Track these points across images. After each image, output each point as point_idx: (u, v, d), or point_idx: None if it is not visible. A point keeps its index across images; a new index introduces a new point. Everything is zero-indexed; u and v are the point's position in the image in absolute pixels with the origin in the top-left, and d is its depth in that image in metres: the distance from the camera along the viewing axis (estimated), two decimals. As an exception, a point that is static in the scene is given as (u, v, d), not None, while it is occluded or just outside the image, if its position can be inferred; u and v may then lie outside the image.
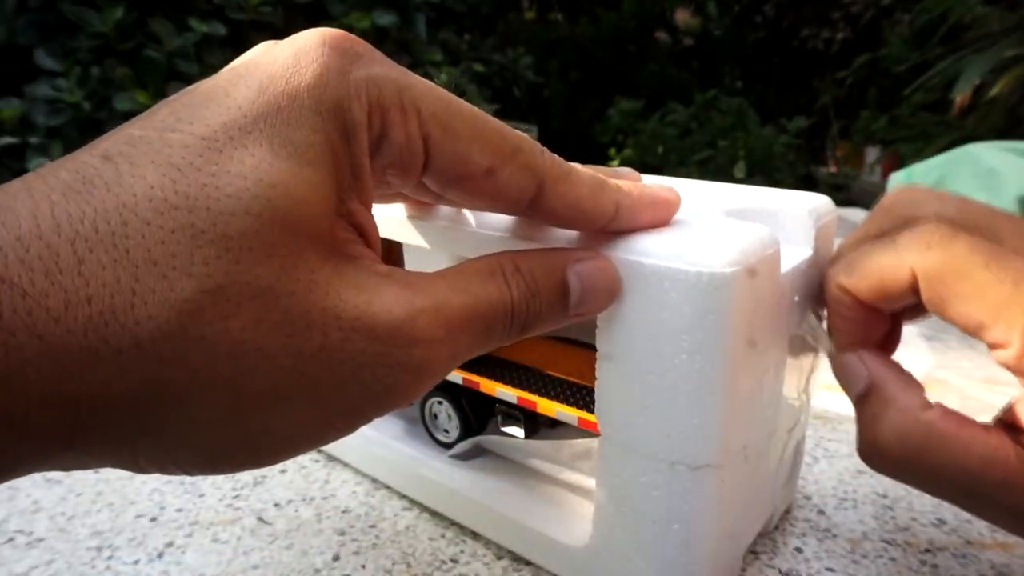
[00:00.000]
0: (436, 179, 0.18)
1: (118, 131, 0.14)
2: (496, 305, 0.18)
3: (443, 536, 0.29)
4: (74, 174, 0.13)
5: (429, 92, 0.17)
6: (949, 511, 0.31)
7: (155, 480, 0.33)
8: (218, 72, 0.16)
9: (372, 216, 0.17)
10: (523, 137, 0.18)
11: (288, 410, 0.15)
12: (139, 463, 0.14)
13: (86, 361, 0.12)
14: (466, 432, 0.30)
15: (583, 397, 0.26)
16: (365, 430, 0.32)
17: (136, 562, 0.27)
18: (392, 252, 0.31)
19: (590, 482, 0.27)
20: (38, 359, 0.12)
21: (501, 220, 0.23)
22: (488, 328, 0.18)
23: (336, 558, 0.27)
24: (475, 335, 0.17)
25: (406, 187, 0.18)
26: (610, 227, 0.20)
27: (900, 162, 2.38)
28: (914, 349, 0.52)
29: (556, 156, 0.19)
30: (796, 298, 0.24)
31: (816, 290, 0.25)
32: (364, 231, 0.17)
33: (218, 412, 0.14)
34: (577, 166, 0.19)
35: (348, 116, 0.15)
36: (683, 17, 3.78)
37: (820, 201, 0.26)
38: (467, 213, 0.24)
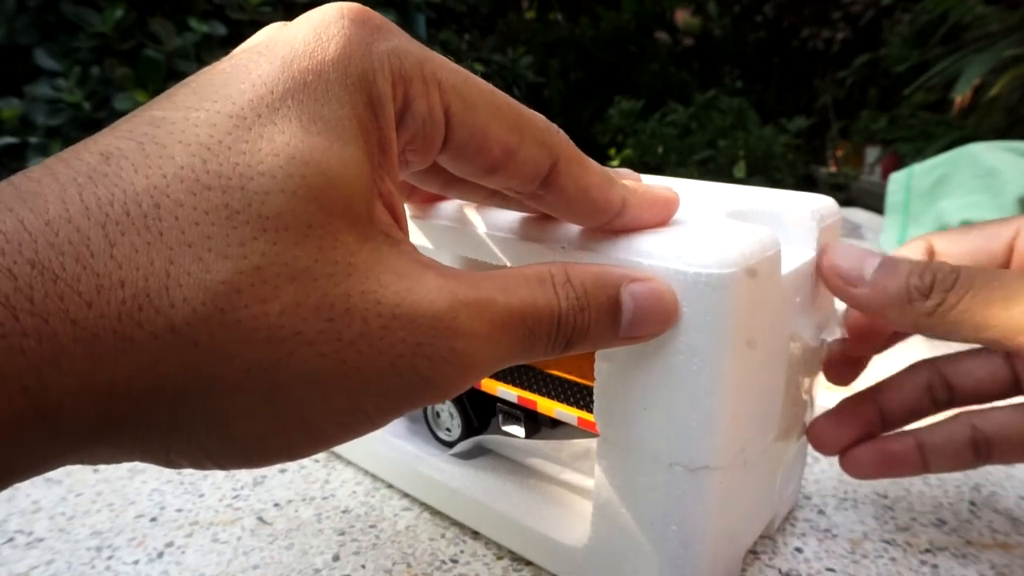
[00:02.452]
0: (454, 154, 0.17)
1: (137, 113, 0.14)
2: (542, 312, 0.17)
3: (443, 536, 0.29)
4: (99, 156, 0.13)
5: (447, 64, 0.16)
6: (949, 511, 0.31)
7: (155, 480, 0.33)
8: (231, 53, 0.16)
9: (400, 196, 0.17)
10: (539, 115, 0.18)
11: (325, 399, 0.14)
12: (170, 457, 0.14)
13: (120, 347, 0.12)
14: (467, 431, 0.30)
15: (583, 397, 0.26)
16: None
17: (136, 562, 0.27)
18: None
19: (590, 482, 0.27)
20: (72, 346, 0.11)
21: (505, 220, 0.23)
22: (532, 334, 0.17)
23: (336, 558, 0.27)
24: (518, 339, 0.17)
25: (424, 165, 0.18)
26: (615, 224, 0.20)
27: (900, 162, 2.38)
28: (911, 348, 0.52)
29: (571, 140, 0.19)
30: (798, 299, 0.24)
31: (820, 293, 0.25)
32: (395, 212, 0.16)
33: (254, 401, 0.13)
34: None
35: (374, 89, 0.15)
36: (683, 17, 3.77)
37: (824, 203, 0.26)
38: (470, 213, 0.24)
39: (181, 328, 0.12)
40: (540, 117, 0.18)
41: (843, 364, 0.28)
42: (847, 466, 0.27)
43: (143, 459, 0.14)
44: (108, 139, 0.13)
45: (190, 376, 0.13)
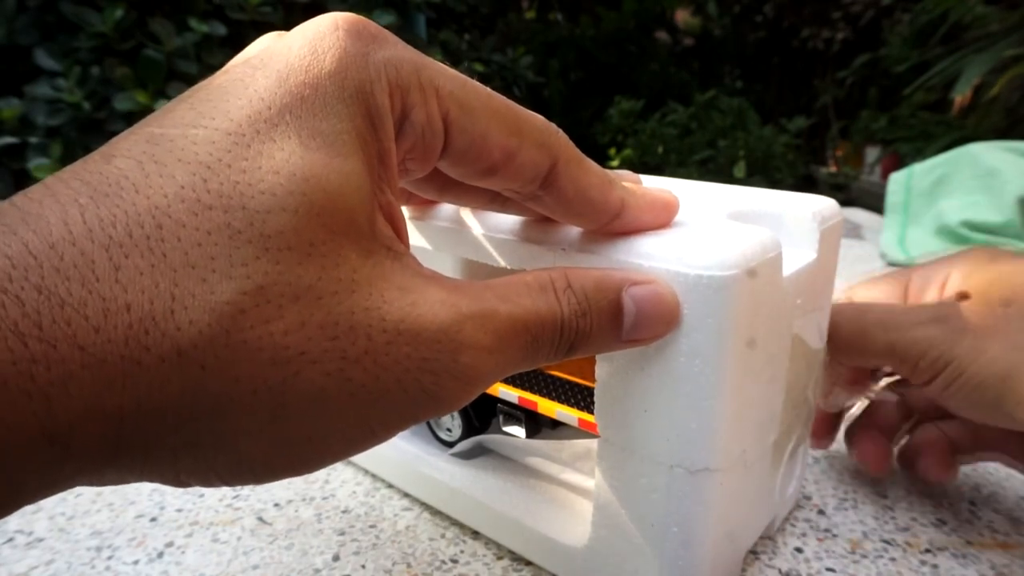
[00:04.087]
0: (454, 160, 0.17)
1: (135, 130, 0.14)
2: (545, 319, 0.17)
3: (443, 536, 0.29)
4: (99, 176, 0.13)
5: (444, 71, 0.16)
6: (949, 511, 0.31)
7: (155, 480, 0.33)
8: (227, 65, 0.16)
9: (400, 208, 0.17)
10: (538, 116, 0.18)
11: (331, 418, 0.14)
12: (180, 477, 0.14)
13: (128, 371, 0.12)
14: (468, 431, 0.30)
15: (584, 398, 0.26)
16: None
17: (136, 562, 0.27)
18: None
19: (590, 482, 0.27)
20: (80, 371, 0.11)
21: (504, 221, 0.23)
22: (535, 342, 0.17)
23: (336, 558, 0.27)
24: (522, 347, 0.17)
25: (423, 172, 0.18)
26: (614, 225, 0.20)
27: (900, 162, 2.38)
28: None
29: (570, 140, 0.19)
30: (799, 301, 0.24)
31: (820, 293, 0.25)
32: (396, 223, 0.16)
33: (260, 421, 0.13)
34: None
35: (372, 101, 0.15)
36: (683, 17, 3.77)
37: (825, 204, 0.26)
38: (469, 215, 0.24)
39: (188, 351, 0.12)
40: (539, 118, 0.18)
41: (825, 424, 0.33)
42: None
43: (151, 479, 0.14)
44: (106, 157, 0.13)
45: (197, 398, 0.13)
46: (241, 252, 0.13)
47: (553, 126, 0.18)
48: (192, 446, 0.13)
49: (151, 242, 0.12)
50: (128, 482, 0.14)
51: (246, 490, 0.32)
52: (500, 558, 0.28)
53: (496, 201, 0.21)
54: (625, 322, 0.19)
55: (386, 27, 0.16)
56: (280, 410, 0.13)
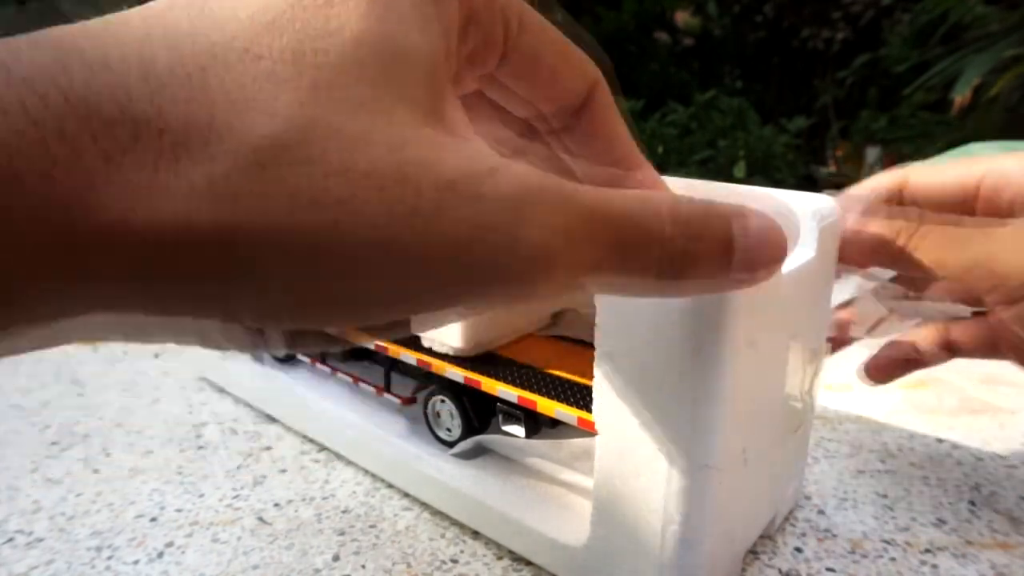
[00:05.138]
0: (506, 72, 0.18)
1: None
2: (640, 226, 0.15)
3: (443, 536, 0.29)
4: (157, 19, 0.13)
5: None
6: (949, 511, 0.31)
7: (155, 480, 0.33)
8: None
9: (458, 100, 0.16)
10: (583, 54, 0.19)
11: (365, 276, 0.13)
12: (200, 306, 0.13)
13: (155, 195, 0.11)
14: (468, 431, 0.30)
15: (583, 397, 0.26)
16: (368, 426, 0.33)
17: (136, 562, 0.27)
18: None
19: (590, 482, 0.27)
20: (104, 186, 0.11)
21: None
22: (623, 247, 0.15)
23: (336, 558, 0.27)
24: (604, 248, 0.14)
25: (470, 89, 0.18)
26: (630, 180, 0.20)
27: (900, 162, 2.38)
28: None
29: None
30: (798, 299, 0.24)
31: (820, 293, 0.25)
32: (454, 111, 0.16)
33: (292, 269, 0.13)
34: None
35: (443, 2, 0.15)
36: (683, 17, 3.77)
37: (823, 202, 0.26)
38: None
39: (219, 181, 0.12)
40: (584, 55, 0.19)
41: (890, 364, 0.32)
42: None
43: (170, 312, 0.13)
44: (162, 8, 0.13)
45: (225, 232, 0.12)
46: (286, 96, 0.12)
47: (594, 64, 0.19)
48: (218, 282, 0.13)
49: (192, 80, 0.12)
50: (145, 313, 0.13)
51: (246, 490, 0.32)
52: (500, 558, 0.28)
53: (525, 136, 0.21)
54: (735, 255, 0.16)
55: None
56: (313, 260, 0.13)
